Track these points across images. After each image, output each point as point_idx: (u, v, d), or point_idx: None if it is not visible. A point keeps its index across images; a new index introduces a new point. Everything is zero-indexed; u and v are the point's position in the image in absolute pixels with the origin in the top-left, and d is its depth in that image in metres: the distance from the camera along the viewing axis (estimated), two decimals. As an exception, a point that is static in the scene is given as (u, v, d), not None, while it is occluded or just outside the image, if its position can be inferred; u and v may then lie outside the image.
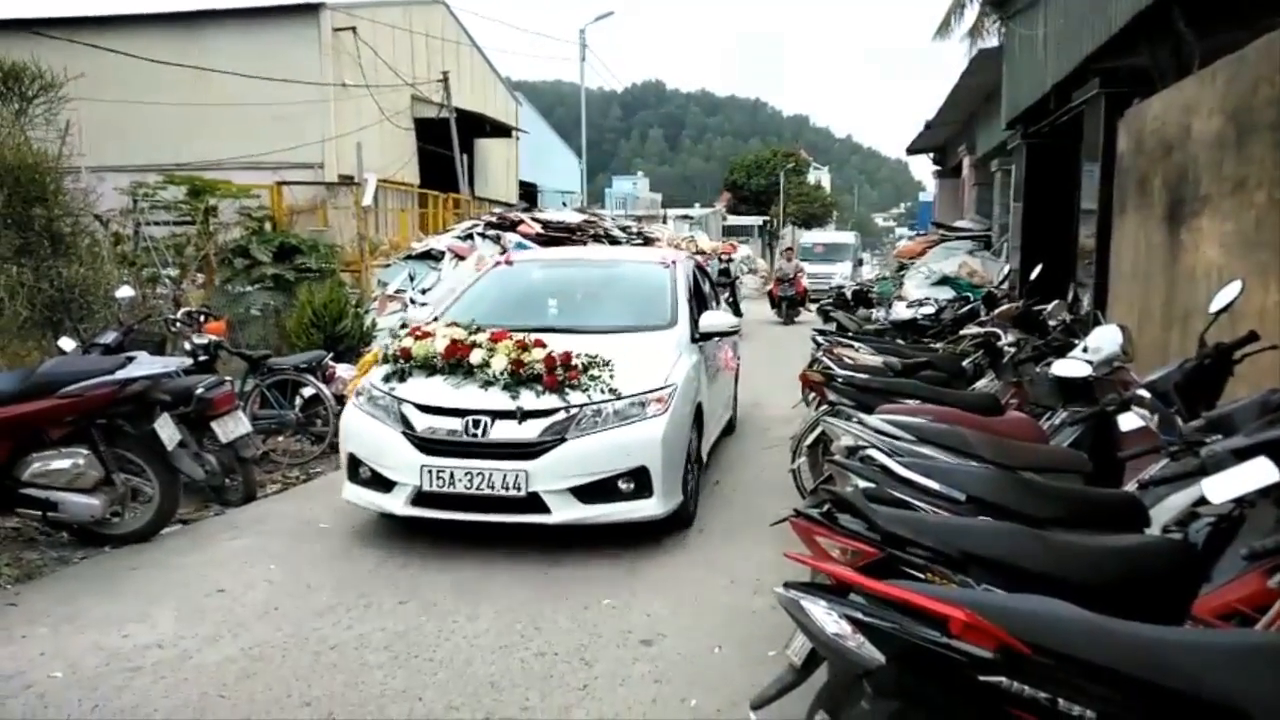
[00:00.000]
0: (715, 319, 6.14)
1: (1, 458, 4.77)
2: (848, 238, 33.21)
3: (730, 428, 7.69)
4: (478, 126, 23.15)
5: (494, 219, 15.17)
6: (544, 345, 4.97)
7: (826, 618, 1.80)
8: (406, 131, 20.74)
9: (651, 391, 4.93)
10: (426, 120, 21.27)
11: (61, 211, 8.36)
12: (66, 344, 6.46)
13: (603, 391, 4.83)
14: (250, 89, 16.29)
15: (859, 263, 30.56)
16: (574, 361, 4.88)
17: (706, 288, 7.56)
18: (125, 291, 7.64)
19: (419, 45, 21.39)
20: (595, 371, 4.89)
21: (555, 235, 14.64)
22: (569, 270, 7.14)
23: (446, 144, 20.83)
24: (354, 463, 5.13)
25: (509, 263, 6.98)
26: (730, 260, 18.39)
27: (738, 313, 15.73)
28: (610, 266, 7.17)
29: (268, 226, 12.83)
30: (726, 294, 14.99)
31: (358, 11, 18.54)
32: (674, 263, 6.49)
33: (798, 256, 26.78)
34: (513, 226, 14.39)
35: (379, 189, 16.28)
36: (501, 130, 25.20)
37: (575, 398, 4.80)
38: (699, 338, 5.84)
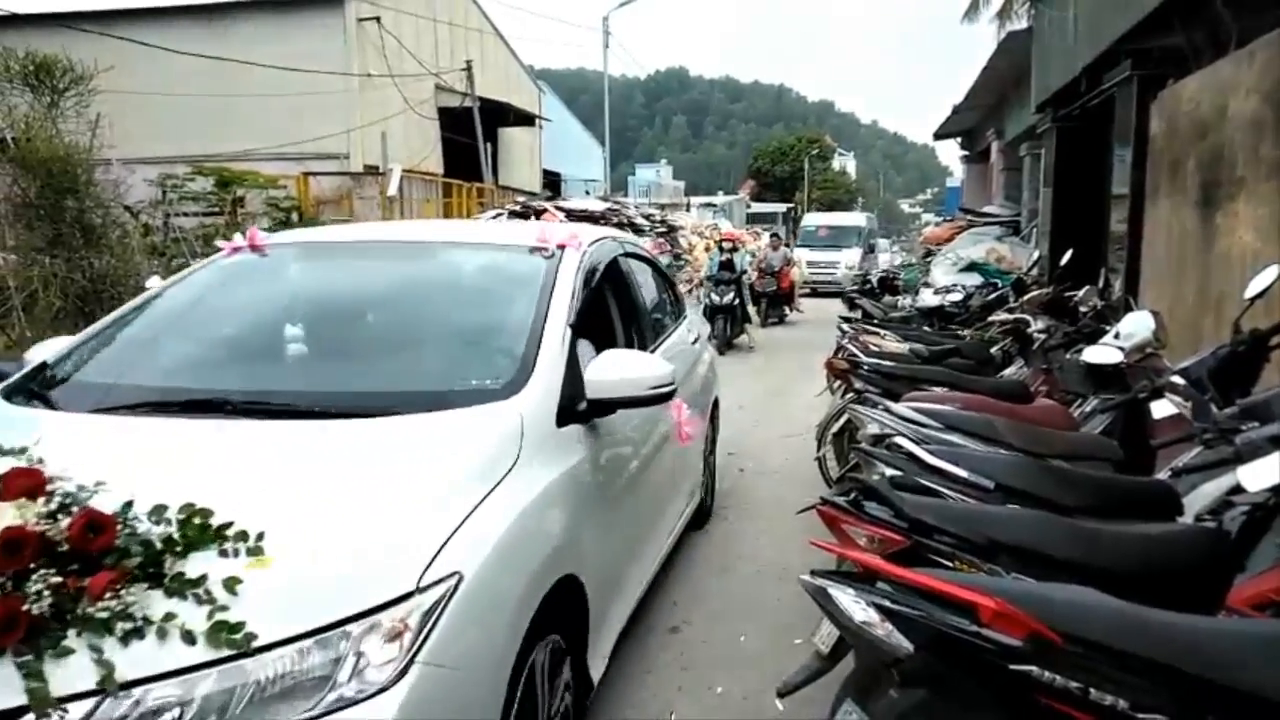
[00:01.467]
0: (619, 366, 2.89)
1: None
2: (856, 219, 28.16)
3: (702, 515, 5.02)
4: (501, 115, 23.19)
5: (518, 208, 15.21)
6: None
7: (854, 605, 1.79)
8: (430, 121, 20.83)
9: (367, 614, 1.79)
10: (450, 109, 21.35)
11: (92, 203, 8.50)
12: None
13: (193, 636, 1.64)
14: (276, 80, 16.41)
15: (871, 248, 26.32)
16: (118, 543, 1.74)
17: (655, 295, 4.57)
18: (155, 282, 7.73)
19: (442, 34, 21.44)
20: (183, 568, 1.76)
21: (579, 224, 14.65)
22: (359, 265, 3.69)
23: (470, 133, 20.89)
24: None
25: (255, 248, 3.56)
26: (735, 250, 13.89)
27: (744, 320, 13.19)
28: (436, 256, 3.67)
29: (294, 216, 12.98)
30: (730, 295, 12.60)
31: (381, 1, 18.61)
32: (561, 249, 3.32)
33: (799, 242, 24.11)
34: (536, 215, 14.40)
35: (404, 179, 16.42)
36: (525, 119, 25.24)
37: (68, 675, 1.58)
38: (585, 411, 2.82)
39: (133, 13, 17.53)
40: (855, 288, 12.99)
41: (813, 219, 29.13)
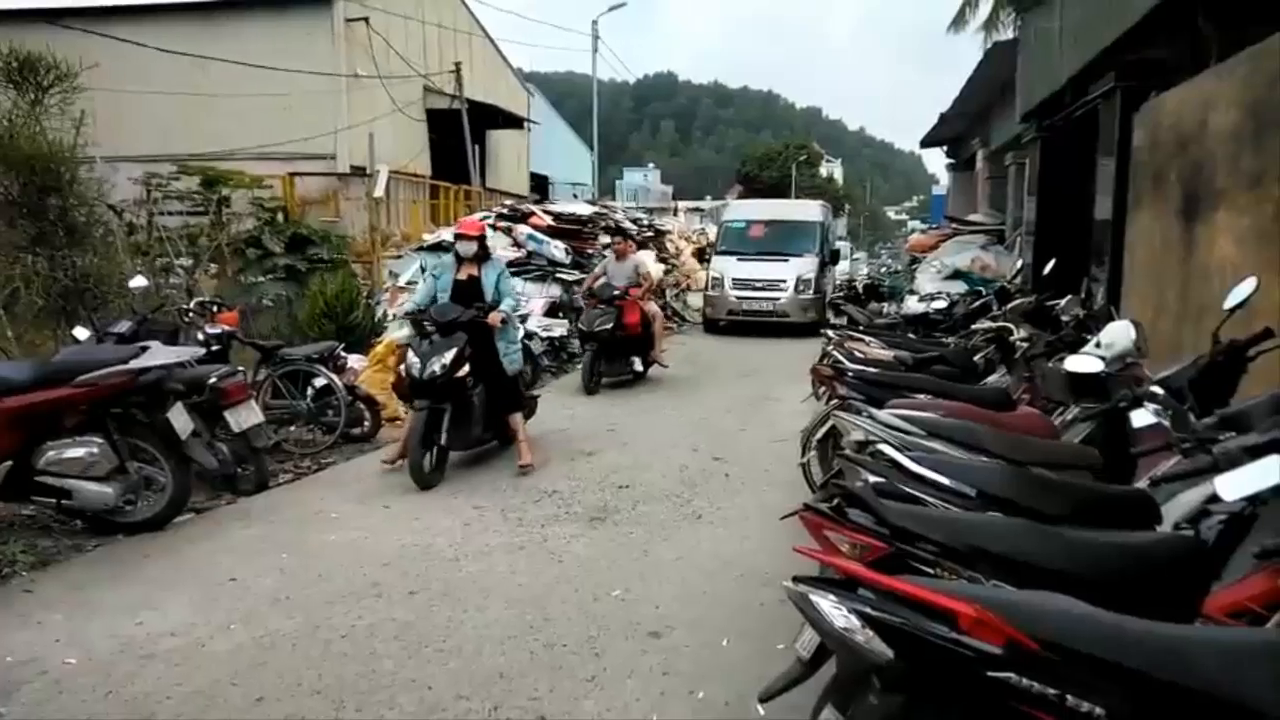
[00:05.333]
0: None
1: (17, 446, 4.81)
2: (810, 211, 17.53)
3: None
4: (489, 118, 23.13)
5: (505, 210, 15.19)
6: None
7: (835, 612, 1.80)
8: (418, 122, 20.76)
9: None
10: (438, 111, 21.28)
11: (76, 201, 8.43)
12: (81, 333, 6.51)
13: None
14: (263, 79, 16.32)
15: (834, 257, 17.93)
16: None
17: None
18: (139, 281, 7.70)
19: (431, 36, 21.38)
20: None
21: (566, 227, 14.65)
22: None
23: (458, 135, 20.83)
24: None
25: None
26: (480, 257, 6.54)
27: (495, 429, 6.69)
28: None
29: (280, 217, 12.92)
30: (440, 365, 5.98)
31: (370, 2, 18.54)
32: None
33: (718, 248, 16.61)
34: (524, 218, 14.39)
35: (390, 180, 16.36)
36: (513, 121, 25.17)
37: None
38: None
39: (119, 10, 17.38)
40: (841, 295, 12.99)
41: (740, 209, 18.79)
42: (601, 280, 10.00)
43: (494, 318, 6.31)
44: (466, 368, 6.18)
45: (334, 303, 9.17)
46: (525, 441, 6.61)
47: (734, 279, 15.15)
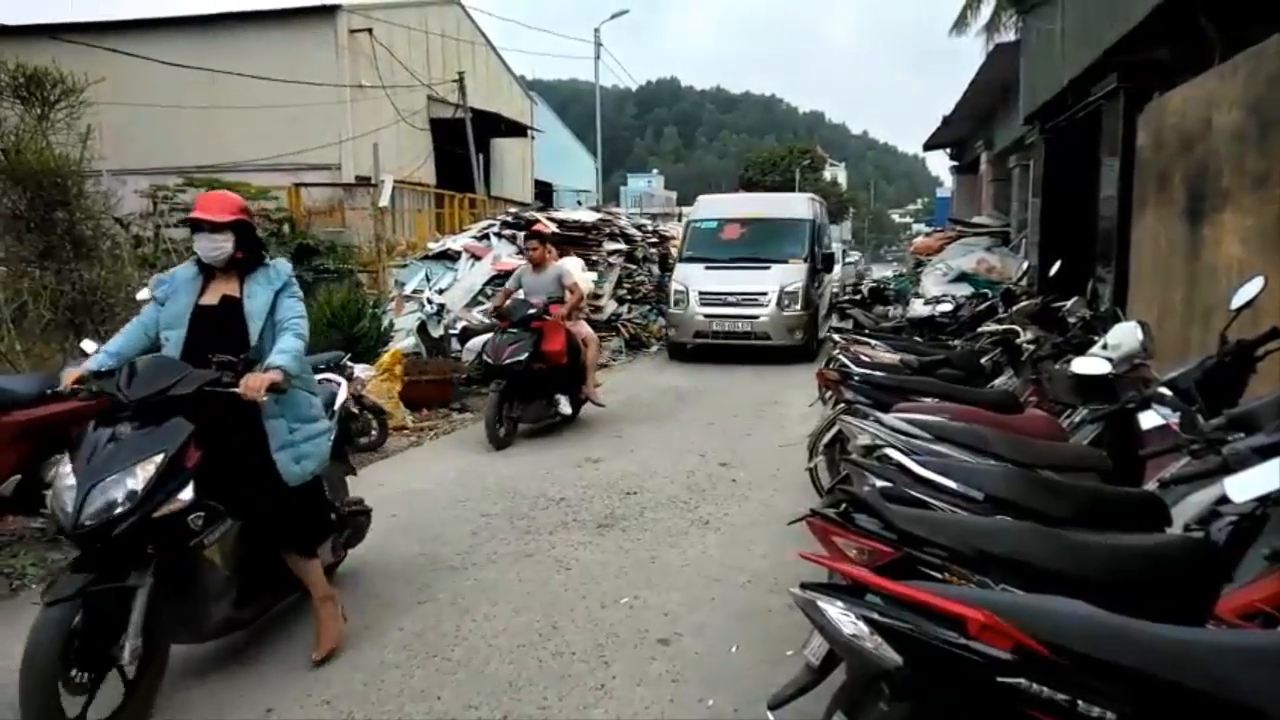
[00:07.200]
0: None
1: (25, 460, 4.83)
2: (796, 207, 14.41)
3: None
4: (493, 126, 23.22)
5: (510, 219, 15.22)
6: None
7: (843, 619, 1.79)
8: (422, 132, 20.86)
9: None
10: (442, 120, 21.38)
11: (83, 215, 8.46)
12: (88, 346, 6.50)
13: None
14: (268, 91, 16.43)
15: (826, 262, 14.13)
16: None
17: None
18: (146, 294, 7.72)
19: (434, 46, 21.49)
20: None
21: (571, 234, 14.66)
22: None
23: (462, 144, 20.92)
24: None
25: None
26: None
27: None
28: None
29: (286, 228, 12.96)
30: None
31: (374, 13, 18.67)
32: None
33: (683, 253, 13.69)
34: (528, 226, 14.41)
35: (396, 189, 16.42)
36: (517, 129, 25.26)
37: None
38: None
39: (124, 24, 17.55)
40: (846, 299, 12.91)
41: (711, 205, 14.86)
42: (515, 298, 7.74)
43: (252, 384, 3.21)
44: (189, 491, 3.07)
45: (340, 312, 9.19)
46: (328, 610, 3.69)
47: (701, 293, 12.50)
